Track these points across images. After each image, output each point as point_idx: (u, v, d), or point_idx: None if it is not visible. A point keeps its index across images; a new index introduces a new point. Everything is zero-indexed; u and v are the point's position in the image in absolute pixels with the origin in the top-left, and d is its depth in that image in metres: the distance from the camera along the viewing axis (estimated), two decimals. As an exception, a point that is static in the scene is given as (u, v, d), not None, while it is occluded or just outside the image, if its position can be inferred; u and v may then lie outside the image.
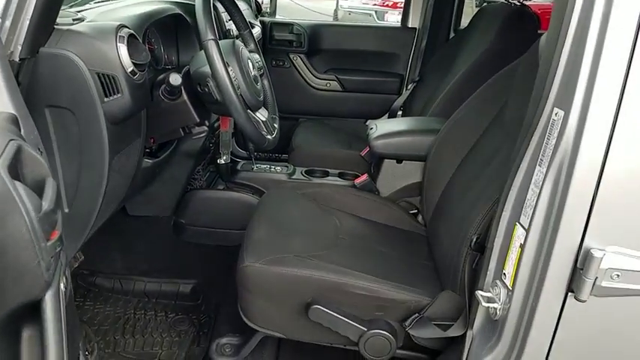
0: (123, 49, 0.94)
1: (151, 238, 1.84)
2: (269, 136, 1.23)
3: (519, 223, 0.82)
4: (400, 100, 2.46)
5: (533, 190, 0.79)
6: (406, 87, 2.55)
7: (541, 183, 0.77)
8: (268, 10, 2.81)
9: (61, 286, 0.66)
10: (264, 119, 1.24)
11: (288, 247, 1.22)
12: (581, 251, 0.74)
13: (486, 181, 1.16)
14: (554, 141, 0.75)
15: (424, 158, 1.56)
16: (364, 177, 1.70)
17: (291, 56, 2.57)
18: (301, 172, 1.89)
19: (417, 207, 1.69)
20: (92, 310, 1.70)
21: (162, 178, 1.67)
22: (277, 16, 2.85)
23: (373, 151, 1.66)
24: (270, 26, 2.55)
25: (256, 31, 2.24)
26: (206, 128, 1.25)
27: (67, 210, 1.05)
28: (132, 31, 0.99)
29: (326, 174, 1.91)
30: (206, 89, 1.13)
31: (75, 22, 0.99)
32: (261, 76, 1.39)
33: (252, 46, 1.39)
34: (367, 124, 1.82)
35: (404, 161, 1.68)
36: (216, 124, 1.60)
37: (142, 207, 1.72)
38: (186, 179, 1.72)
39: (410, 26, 2.57)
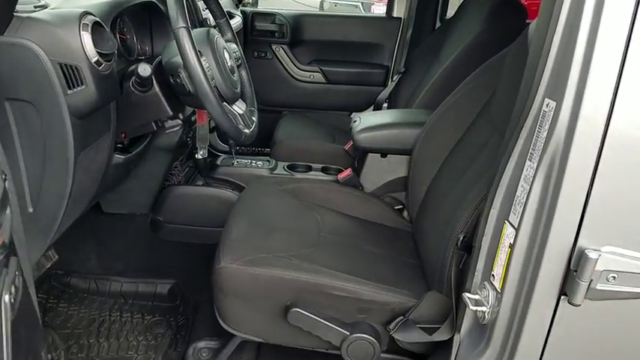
0: (87, 38, 0.87)
1: (128, 237, 1.77)
2: (246, 130, 1.16)
3: (508, 222, 0.77)
4: (386, 92, 2.41)
5: (523, 187, 0.74)
6: (391, 78, 2.50)
7: (531, 179, 0.72)
8: (250, 0, 2.72)
9: (5, 298, 0.59)
10: (241, 112, 1.18)
11: (267, 246, 1.16)
12: (575, 252, 0.69)
13: (474, 176, 1.11)
14: (545, 134, 0.70)
15: (409, 152, 1.51)
16: (347, 172, 1.65)
17: (274, 47, 2.50)
18: (283, 167, 1.83)
19: (402, 203, 1.64)
20: (66, 312, 1.62)
21: (138, 174, 1.59)
22: (259, 7, 2.77)
23: (356, 145, 1.60)
24: (251, 16, 2.47)
25: (236, 21, 2.16)
26: (180, 122, 1.19)
27: (30, 209, 0.98)
28: (97, 19, 0.92)
29: (309, 169, 1.85)
30: (178, 80, 1.06)
31: (37, 9, 0.92)
32: (238, 67, 1.32)
33: (229, 35, 1.32)
34: (351, 117, 1.76)
35: (388, 155, 1.63)
36: (193, 118, 1.53)
37: (117, 204, 1.65)
38: (162, 175, 1.65)
39: (395, 16, 2.51)
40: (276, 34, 2.48)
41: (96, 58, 0.88)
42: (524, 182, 0.74)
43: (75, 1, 1.02)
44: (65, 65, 0.85)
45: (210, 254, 1.22)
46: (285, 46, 2.50)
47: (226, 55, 1.16)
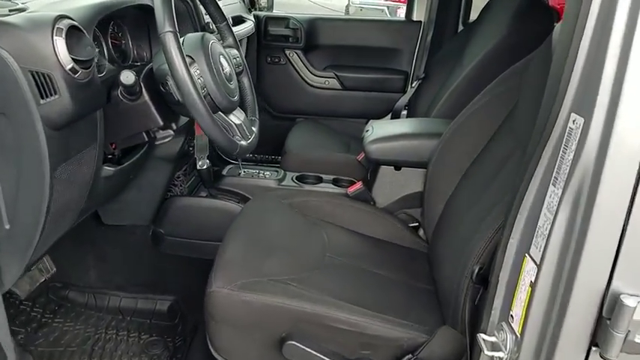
0: (60, 44, 0.81)
1: (128, 249, 1.73)
2: (243, 142, 1.09)
3: (529, 256, 0.68)
4: (404, 99, 2.32)
5: (546, 216, 0.64)
6: (411, 84, 2.41)
7: (555, 207, 0.63)
8: (265, 3, 2.67)
9: None
10: (238, 122, 1.11)
11: (264, 269, 1.09)
12: (608, 296, 0.59)
13: (493, 197, 1.01)
14: (571, 155, 0.61)
15: (426, 165, 1.41)
16: (358, 185, 1.56)
17: (287, 52, 2.44)
18: (292, 178, 1.76)
19: (418, 220, 1.55)
20: (61, 328, 1.58)
21: (138, 185, 1.55)
22: (275, 11, 2.72)
23: (368, 157, 1.52)
24: (264, 21, 2.42)
25: (248, 25, 2.11)
26: (171, 133, 1.13)
27: (7, 226, 0.93)
28: (74, 23, 0.86)
29: (319, 180, 1.78)
30: (167, 88, 1.00)
31: (12, 12, 0.87)
32: (239, 73, 1.25)
33: (230, 40, 1.26)
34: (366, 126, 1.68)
35: (403, 168, 1.54)
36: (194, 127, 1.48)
37: (118, 215, 1.61)
38: (164, 185, 1.60)
39: (415, 19, 2.42)
40: (290, 38, 2.42)
41: (70, 66, 0.82)
42: (547, 211, 0.64)
43: (58, 4, 0.97)
44: (37, 73, 0.80)
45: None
46: (299, 51, 2.44)
47: (223, 62, 1.09)
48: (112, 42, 1.15)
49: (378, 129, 1.58)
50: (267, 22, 2.42)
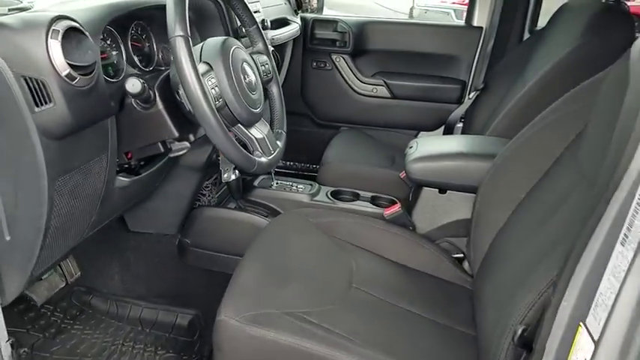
0: (55, 47, 0.76)
1: (153, 258, 1.70)
2: (263, 159, 1.02)
3: (585, 327, 0.55)
4: (460, 111, 2.18)
5: (610, 282, 0.52)
6: (468, 95, 2.26)
7: (624, 273, 0.50)
8: (316, 5, 2.61)
9: None
10: (260, 136, 1.04)
11: (279, 299, 1.01)
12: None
13: (547, 240, 0.88)
14: (650, 209, 0.48)
15: (475, 190, 1.28)
16: (396, 207, 1.45)
17: (334, 57, 2.36)
18: (327, 194, 1.67)
19: (462, 251, 1.42)
20: (79, 335, 1.58)
21: (165, 193, 1.52)
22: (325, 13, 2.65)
23: (409, 177, 1.40)
24: (311, 23, 2.35)
25: (292, 28, 2.05)
26: (187, 145, 1.07)
27: (7, 237, 0.90)
28: (74, 24, 0.81)
29: (355, 197, 1.68)
30: (179, 98, 0.95)
31: (11, 12, 0.84)
32: (268, 82, 1.18)
33: (259, 45, 1.19)
34: (411, 142, 1.56)
35: (449, 192, 1.41)
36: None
37: (144, 223, 1.59)
38: (191, 195, 1.56)
39: (475, 25, 2.27)
40: (338, 42, 2.34)
41: (67, 72, 0.77)
42: (611, 276, 0.52)
43: (67, 4, 0.94)
44: (30, 79, 0.76)
45: None
46: (346, 56, 2.35)
47: (247, 69, 1.02)
48: (133, 44, 1.11)
49: (423, 146, 1.46)
50: (314, 25, 2.35)
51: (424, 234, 1.44)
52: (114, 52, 1.05)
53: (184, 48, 0.82)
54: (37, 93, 0.76)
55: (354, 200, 1.65)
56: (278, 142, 1.14)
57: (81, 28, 0.81)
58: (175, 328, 1.62)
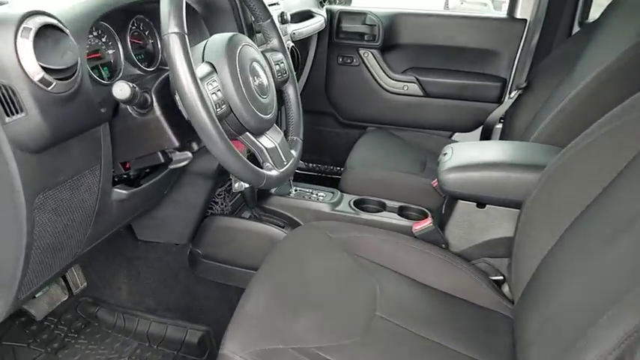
0: (25, 48, 0.66)
1: (163, 269, 1.62)
2: (273, 172, 0.91)
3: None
4: (499, 111, 2.03)
5: None
6: (509, 94, 2.10)
7: None
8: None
9: None
10: (271, 146, 0.93)
11: (291, 332, 0.90)
12: None
13: (613, 272, 0.74)
14: None
15: (519, 205, 1.15)
16: (426, 222, 1.32)
17: (362, 52, 2.23)
18: (350, 203, 1.55)
19: (502, 273, 1.28)
20: (83, 350, 1.51)
21: (174, 201, 1.44)
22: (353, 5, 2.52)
23: (442, 188, 1.27)
24: (338, 16, 2.23)
25: (317, 21, 1.93)
26: (189, 155, 0.97)
27: None
28: (51, 20, 0.70)
29: (382, 207, 1.55)
30: (175, 103, 0.84)
31: None
32: (283, 82, 1.07)
33: (274, 42, 1.07)
34: (444, 147, 1.42)
35: (488, 206, 1.27)
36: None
37: (153, 232, 1.51)
38: (202, 203, 1.47)
39: (518, 17, 2.10)
40: (366, 36, 2.21)
41: (40, 76, 0.67)
42: None
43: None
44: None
45: None
46: (375, 51, 2.22)
47: (257, 69, 0.91)
48: (133, 41, 1.01)
49: (459, 153, 1.32)
50: (341, 18, 2.23)
51: (458, 252, 1.30)
52: (110, 51, 0.95)
53: (179, 47, 0.72)
54: (7, 101, 0.66)
55: (379, 211, 1.53)
56: (292, 152, 1.03)
57: (59, 24, 0.71)
58: (184, 345, 1.53)
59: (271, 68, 1.02)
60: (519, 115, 1.89)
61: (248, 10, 1.26)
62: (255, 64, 0.91)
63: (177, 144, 0.90)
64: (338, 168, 2.40)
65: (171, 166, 0.95)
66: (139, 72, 1.02)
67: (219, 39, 0.87)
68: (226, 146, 0.77)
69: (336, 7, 2.25)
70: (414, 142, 2.08)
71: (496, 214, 1.26)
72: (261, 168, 0.93)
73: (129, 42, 0.99)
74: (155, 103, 0.86)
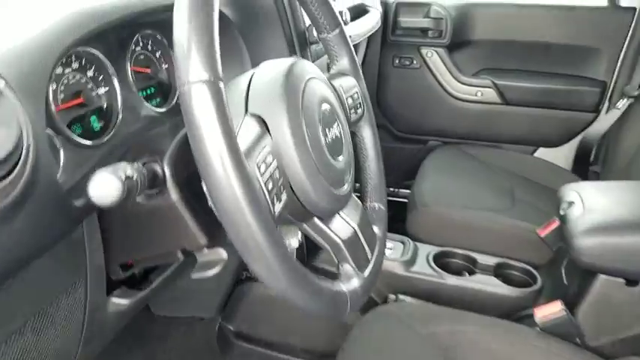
0: None
1: (185, 352, 1.31)
2: (355, 282, 0.59)
3: None
4: (602, 125, 1.66)
5: None
6: (611, 102, 1.72)
7: None
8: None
9: None
10: (349, 234, 0.60)
11: None
12: None
13: None
14: None
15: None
16: (555, 308, 0.96)
17: (424, 51, 1.87)
18: (427, 258, 1.21)
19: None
20: None
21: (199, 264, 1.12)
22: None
23: (577, 260, 0.92)
24: (394, 8, 1.88)
25: (374, 19, 1.57)
26: (225, 257, 0.65)
27: None
28: None
29: (471, 263, 1.21)
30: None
31: None
32: (357, 121, 0.74)
33: (344, 62, 0.73)
34: (562, 189, 1.07)
35: (642, 283, 0.91)
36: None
37: (171, 305, 1.20)
38: (235, 266, 1.15)
39: (624, 5, 1.71)
40: (430, 32, 1.85)
41: None
42: None
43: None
44: None
45: None
46: (441, 50, 1.86)
47: (330, 115, 0.58)
48: (135, 70, 0.69)
49: (593, 203, 0.97)
50: (398, 11, 1.87)
51: (596, 347, 0.95)
52: (100, 91, 0.64)
53: (210, 108, 0.38)
54: None
55: (469, 270, 1.19)
56: (375, 229, 0.70)
57: None
58: None
59: (343, 105, 0.69)
60: (630, 132, 1.52)
61: (299, 13, 0.93)
62: (325, 106, 0.58)
63: (204, 242, 0.58)
64: (393, 189, 2.06)
65: (195, 277, 0.63)
66: (147, 113, 0.70)
67: (271, 72, 0.54)
68: (291, 275, 0.45)
69: (392, -3, 1.89)
70: (492, 163, 1.72)
71: (656, 298, 0.91)
72: (335, 274, 0.61)
73: (129, 72, 0.67)
74: (170, 181, 0.54)
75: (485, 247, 1.26)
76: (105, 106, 0.64)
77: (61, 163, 0.54)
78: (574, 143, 1.84)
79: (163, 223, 0.57)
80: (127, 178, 0.46)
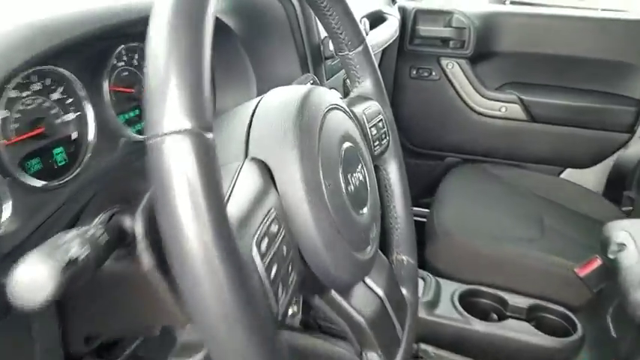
0: None
1: None
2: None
3: None
4: (637, 148, 1.52)
5: None
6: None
7: None
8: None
9: None
10: (373, 311, 0.49)
11: None
12: None
13: None
14: None
15: None
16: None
17: (444, 62, 1.75)
18: (452, 299, 1.08)
19: None
20: None
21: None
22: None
23: (633, 315, 0.79)
24: (413, 16, 1.75)
25: (392, 27, 1.45)
26: None
27: None
28: None
29: (501, 304, 1.08)
30: None
31: None
32: (382, 153, 0.61)
33: (366, 84, 0.60)
34: (609, 227, 0.94)
35: None
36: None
37: (164, 355, 1.06)
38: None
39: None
40: (451, 42, 1.73)
41: None
42: None
43: None
44: None
45: None
46: (463, 61, 1.73)
47: (352, 155, 0.46)
48: (114, 89, 0.57)
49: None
50: (417, 18, 1.75)
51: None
52: (68, 117, 0.52)
53: (194, 167, 0.26)
54: None
55: (501, 315, 1.06)
56: (404, 291, 0.57)
57: None
58: None
59: (366, 137, 0.56)
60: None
61: (314, 25, 0.80)
62: (347, 146, 0.46)
63: (185, 320, 0.46)
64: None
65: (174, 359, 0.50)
66: (128, 141, 0.58)
67: (281, 103, 0.41)
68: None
69: (410, 4, 1.77)
70: (516, 184, 1.59)
71: None
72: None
73: (106, 93, 0.55)
74: (142, 243, 0.41)
75: (514, 285, 1.14)
76: (75, 135, 0.52)
77: (3, 218, 0.42)
78: (605, 165, 1.71)
79: (134, 293, 0.44)
80: (70, 262, 0.33)
